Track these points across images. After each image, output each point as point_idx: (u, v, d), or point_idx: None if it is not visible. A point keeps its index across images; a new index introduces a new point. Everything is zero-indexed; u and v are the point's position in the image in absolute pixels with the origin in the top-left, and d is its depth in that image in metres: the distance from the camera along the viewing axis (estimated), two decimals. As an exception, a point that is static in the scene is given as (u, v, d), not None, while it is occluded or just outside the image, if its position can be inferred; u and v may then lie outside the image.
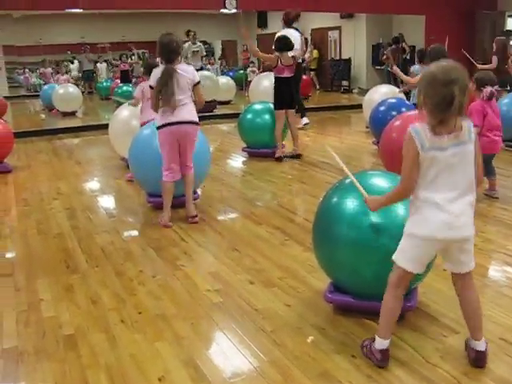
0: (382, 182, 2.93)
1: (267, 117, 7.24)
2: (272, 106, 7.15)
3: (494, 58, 9.72)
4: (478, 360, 2.49)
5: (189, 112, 4.53)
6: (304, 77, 14.17)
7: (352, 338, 2.77)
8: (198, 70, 10.22)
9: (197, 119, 4.62)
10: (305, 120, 9.90)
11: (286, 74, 6.96)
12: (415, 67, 7.84)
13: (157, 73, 4.47)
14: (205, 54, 13.77)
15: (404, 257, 2.40)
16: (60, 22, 18.26)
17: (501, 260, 3.77)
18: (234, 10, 11.60)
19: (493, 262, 3.82)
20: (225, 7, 11.06)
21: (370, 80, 15.69)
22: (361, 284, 2.87)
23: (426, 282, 3.17)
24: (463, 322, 2.86)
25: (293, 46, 7.02)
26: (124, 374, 2.54)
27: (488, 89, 4.84)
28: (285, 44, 6.96)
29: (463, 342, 2.66)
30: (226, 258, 3.92)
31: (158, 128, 4.53)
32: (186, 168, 4.69)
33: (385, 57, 13.34)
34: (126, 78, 16.31)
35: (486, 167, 4.98)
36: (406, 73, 8.02)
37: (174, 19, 17.65)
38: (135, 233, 4.69)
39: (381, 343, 2.48)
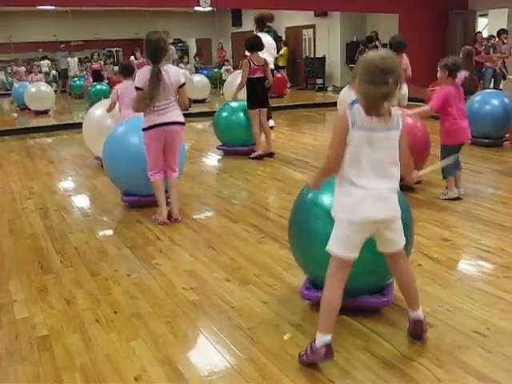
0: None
1: (242, 115, 7.23)
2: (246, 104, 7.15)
3: None
4: (416, 328, 2.62)
5: (175, 113, 4.48)
6: (278, 75, 14.22)
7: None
8: None
9: (183, 120, 4.58)
10: (271, 122, 9.82)
11: (259, 74, 6.94)
12: None
13: (144, 74, 4.37)
14: (176, 57, 13.57)
15: (337, 244, 2.46)
16: (31, 20, 17.97)
17: (474, 254, 3.82)
18: (208, 8, 11.57)
19: (466, 256, 3.87)
20: (199, 5, 11.01)
21: (345, 78, 15.79)
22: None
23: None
24: (438, 315, 2.92)
25: (263, 46, 7.04)
26: (100, 374, 2.50)
27: (462, 74, 4.89)
28: (256, 44, 6.96)
29: (437, 336, 2.70)
30: (202, 256, 3.90)
31: (144, 130, 4.46)
32: (170, 169, 4.62)
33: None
34: (98, 76, 16.14)
35: (455, 161, 4.99)
36: None
37: (147, 17, 17.52)
38: (110, 232, 4.63)
39: (322, 339, 2.43)
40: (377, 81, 2.27)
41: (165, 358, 2.61)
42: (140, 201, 5.05)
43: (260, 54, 7.00)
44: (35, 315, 3.09)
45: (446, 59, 4.94)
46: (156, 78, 4.31)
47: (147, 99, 4.35)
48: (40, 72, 16.33)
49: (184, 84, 4.54)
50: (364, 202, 2.38)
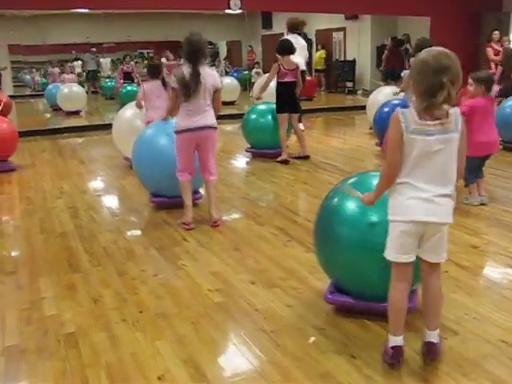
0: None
1: (271, 117, 7.25)
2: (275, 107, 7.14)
3: (499, 68, 9.66)
4: (429, 352, 2.50)
5: (209, 117, 4.45)
6: (308, 78, 14.20)
7: (352, 338, 2.77)
8: None
9: (216, 124, 4.54)
10: (301, 126, 9.80)
11: (288, 79, 6.92)
12: (413, 59, 7.78)
13: (182, 74, 4.31)
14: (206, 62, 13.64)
15: (391, 249, 2.42)
16: (65, 22, 18.30)
17: (503, 262, 3.76)
18: (238, 11, 11.62)
19: (495, 264, 3.81)
20: (229, 7, 11.07)
21: (375, 81, 15.68)
22: (361, 285, 2.87)
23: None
24: (464, 323, 2.89)
25: (295, 49, 7.02)
26: (124, 372, 2.54)
27: (496, 87, 4.83)
28: (286, 48, 6.95)
29: (463, 344, 2.67)
30: (228, 258, 3.93)
31: (178, 132, 4.42)
32: (208, 173, 4.61)
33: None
34: (129, 78, 16.32)
35: (477, 170, 4.95)
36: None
37: (179, 19, 17.66)
38: (138, 232, 4.69)
39: (392, 340, 2.47)
40: (431, 82, 2.19)
41: (188, 358, 2.64)
42: (167, 202, 5.10)
43: (292, 57, 6.99)
44: (63, 312, 3.16)
45: (480, 73, 4.88)
46: (194, 78, 4.28)
47: (182, 98, 4.33)
48: (72, 72, 16.57)
49: (220, 88, 4.52)
50: (415, 203, 2.31)
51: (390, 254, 2.43)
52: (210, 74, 4.42)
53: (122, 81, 16.24)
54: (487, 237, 4.23)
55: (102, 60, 18.55)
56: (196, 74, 4.29)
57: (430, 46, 5.90)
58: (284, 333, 2.85)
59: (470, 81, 4.82)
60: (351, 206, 2.87)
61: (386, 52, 14.85)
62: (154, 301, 3.28)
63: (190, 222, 4.57)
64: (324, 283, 3.24)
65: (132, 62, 17.78)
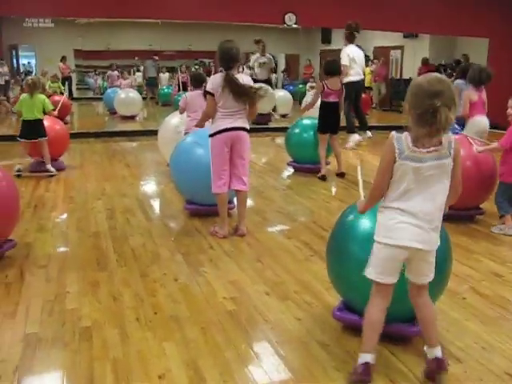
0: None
1: (313, 133, 7.29)
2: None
3: None
4: (439, 367, 2.50)
5: (243, 120, 4.56)
6: (363, 95, 14.17)
7: (354, 356, 2.77)
8: (264, 82, 10.58)
9: (248, 128, 4.62)
10: (368, 134, 10.23)
11: (332, 99, 7.00)
12: (457, 82, 7.45)
13: (217, 79, 4.46)
14: (274, 65, 13.65)
15: (373, 269, 2.45)
16: (129, 29, 19.01)
17: (526, 293, 3.69)
18: (294, 26, 11.75)
19: (517, 294, 3.74)
20: (284, 22, 11.24)
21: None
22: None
23: (441, 308, 3.17)
24: (470, 352, 2.87)
25: (340, 71, 7.12)
26: (128, 368, 2.66)
27: None
28: (332, 68, 7.06)
29: (464, 373, 2.65)
30: (249, 269, 4.01)
31: (212, 135, 4.52)
32: (240, 182, 4.65)
33: None
34: (185, 87, 16.66)
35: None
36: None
37: (238, 30, 17.94)
38: (168, 237, 4.83)
39: (362, 357, 2.48)
40: (424, 106, 2.20)
41: (191, 362, 2.73)
42: (201, 210, 5.24)
43: (336, 78, 7.06)
44: (83, 307, 3.32)
45: None
46: (229, 84, 4.40)
47: (219, 103, 4.44)
48: (127, 78, 17.09)
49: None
50: (404, 227, 2.34)
51: (372, 274, 2.46)
52: (245, 81, 4.53)
53: (176, 88, 16.60)
54: (513, 266, 4.15)
55: (161, 75, 19.01)
56: (231, 81, 4.40)
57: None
58: (288, 345, 2.91)
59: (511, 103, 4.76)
60: (365, 224, 2.90)
61: (417, 73, 14.83)
62: (169, 304, 3.40)
63: (227, 235, 4.67)
64: (337, 299, 3.27)
65: (193, 69, 18.21)
